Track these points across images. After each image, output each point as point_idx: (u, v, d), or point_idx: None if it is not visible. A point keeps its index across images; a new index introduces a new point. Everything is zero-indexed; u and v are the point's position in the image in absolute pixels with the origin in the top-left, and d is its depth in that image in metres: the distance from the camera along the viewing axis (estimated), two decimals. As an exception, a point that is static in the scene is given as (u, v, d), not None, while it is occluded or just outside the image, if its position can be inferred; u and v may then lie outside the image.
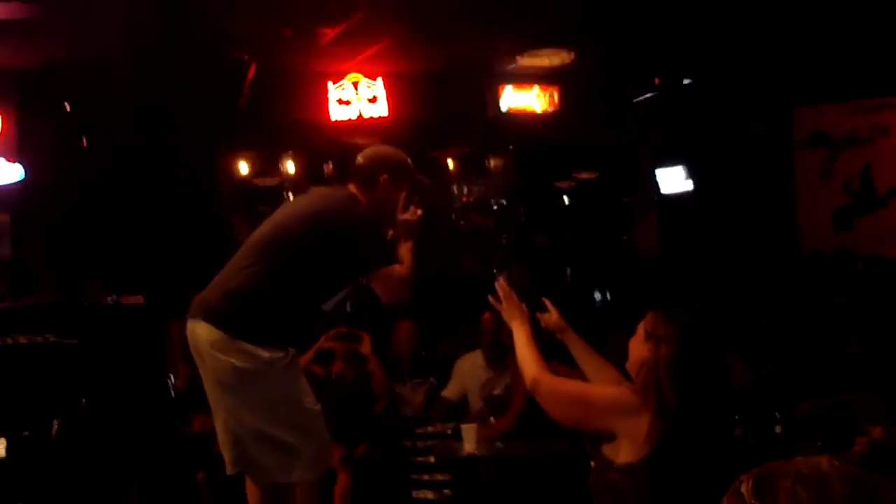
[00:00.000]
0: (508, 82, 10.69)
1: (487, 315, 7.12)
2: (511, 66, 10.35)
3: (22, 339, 3.01)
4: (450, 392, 7.33)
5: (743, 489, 1.28)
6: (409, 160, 4.86)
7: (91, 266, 8.38)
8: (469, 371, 7.33)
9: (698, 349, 3.43)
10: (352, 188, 4.77)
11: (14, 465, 2.82)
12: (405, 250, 4.76)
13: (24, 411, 2.91)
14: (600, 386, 3.59)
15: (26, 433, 2.82)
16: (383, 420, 7.47)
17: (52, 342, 2.98)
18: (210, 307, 4.51)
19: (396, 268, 4.66)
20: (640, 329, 3.50)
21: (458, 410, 7.14)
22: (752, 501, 1.25)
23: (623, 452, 3.37)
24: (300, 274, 4.49)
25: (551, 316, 3.93)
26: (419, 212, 4.85)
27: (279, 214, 4.79)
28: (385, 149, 4.95)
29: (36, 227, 9.38)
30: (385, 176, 4.71)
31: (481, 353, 7.36)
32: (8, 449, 2.80)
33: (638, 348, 3.48)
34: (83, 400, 2.87)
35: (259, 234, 4.68)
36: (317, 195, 4.89)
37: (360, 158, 4.81)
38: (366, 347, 7.60)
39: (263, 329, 4.44)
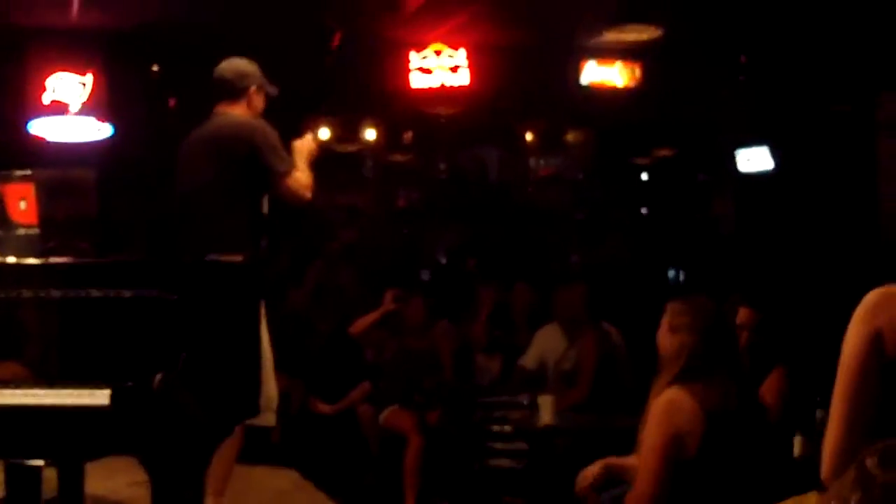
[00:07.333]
0: (591, 57, 10.60)
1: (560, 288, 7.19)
2: (594, 41, 10.27)
3: (126, 294, 3.12)
4: (528, 361, 7.30)
5: (868, 463, 1.33)
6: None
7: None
8: (546, 342, 7.32)
9: (715, 338, 3.48)
10: (221, 108, 4.83)
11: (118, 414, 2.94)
12: (302, 167, 4.80)
13: (127, 363, 3.03)
14: (648, 446, 3.59)
15: (130, 384, 2.94)
16: (453, 387, 7.55)
17: (155, 297, 3.09)
18: None
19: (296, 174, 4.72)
20: (664, 322, 3.57)
21: (536, 380, 7.14)
22: (878, 471, 1.31)
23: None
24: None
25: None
26: (309, 137, 4.99)
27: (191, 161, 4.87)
28: (241, 61, 4.96)
29: (123, 184, 9.56)
30: (252, 87, 4.81)
31: (558, 325, 7.36)
32: (112, 398, 2.93)
33: (663, 339, 3.58)
34: (183, 355, 2.98)
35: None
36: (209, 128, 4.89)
37: (223, 73, 4.84)
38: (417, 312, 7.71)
39: None
